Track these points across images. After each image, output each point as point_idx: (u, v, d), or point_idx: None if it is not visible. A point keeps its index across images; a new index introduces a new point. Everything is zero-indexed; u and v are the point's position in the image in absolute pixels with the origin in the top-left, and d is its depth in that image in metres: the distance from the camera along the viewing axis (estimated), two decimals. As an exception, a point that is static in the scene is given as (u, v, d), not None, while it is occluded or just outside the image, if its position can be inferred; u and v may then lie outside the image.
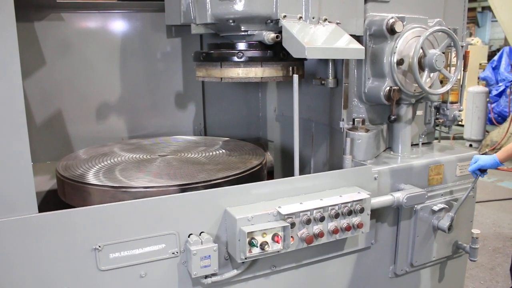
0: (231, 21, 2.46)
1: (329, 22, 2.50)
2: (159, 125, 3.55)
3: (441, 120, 2.98)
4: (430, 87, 2.70)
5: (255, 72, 2.60)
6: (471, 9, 19.15)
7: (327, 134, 3.09)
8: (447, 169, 2.83)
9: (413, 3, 2.78)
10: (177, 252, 2.10)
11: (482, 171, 2.61)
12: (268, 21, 2.46)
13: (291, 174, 2.43)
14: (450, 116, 2.93)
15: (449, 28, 2.65)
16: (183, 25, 2.78)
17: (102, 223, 1.95)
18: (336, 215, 2.27)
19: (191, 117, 3.68)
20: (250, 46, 2.62)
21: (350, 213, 2.30)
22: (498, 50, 13.94)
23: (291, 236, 2.15)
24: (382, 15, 2.66)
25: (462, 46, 2.83)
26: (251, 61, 2.58)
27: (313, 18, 2.44)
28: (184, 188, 2.27)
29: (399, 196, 2.53)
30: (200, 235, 2.12)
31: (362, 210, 2.33)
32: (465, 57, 2.94)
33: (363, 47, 2.42)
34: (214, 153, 2.97)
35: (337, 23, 2.53)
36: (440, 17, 2.85)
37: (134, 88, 3.43)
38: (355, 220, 2.33)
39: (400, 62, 2.62)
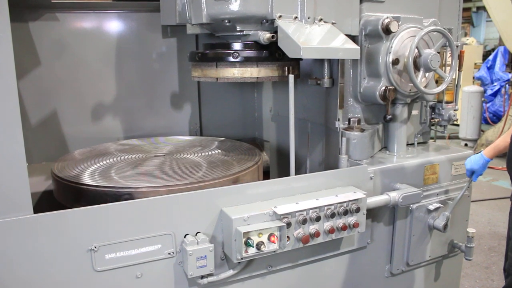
0: (226, 21, 2.46)
1: (324, 22, 2.50)
2: (154, 125, 3.54)
3: (436, 120, 2.99)
4: (425, 86, 2.71)
5: (251, 72, 2.60)
6: (466, 9, 19.21)
7: (323, 134, 3.09)
8: (442, 169, 2.84)
9: (408, 3, 2.79)
10: (173, 253, 2.10)
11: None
12: (264, 21, 2.46)
13: (287, 174, 2.43)
14: (445, 116, 2.94)
15: (444, 28, 2.66)
16: (179, 25, 2.77)
17: (97, 224, 1.94)
18: (332, 215, 2.27)
19: (187, 117, 3.67)
20: (246, 46, 2.62)
21: (346, 212, 2.30)
22: (493, 50, 13.98)
23: (287, 236, 2.16)
24: (377, 15, 2.67)
25: (457, 46, 2.84)
26: (246, 61, 2.58)
27: (308, 18, 2.44)
28: (180, 188, 2.27)
29: (395, 195, 2.54)
30: (196, 235, 2.11)
31: (358, 210, 2.34)
32: (460, 57, 2.95)
33: (359, 47, 2.42)
34: (210, 153, 2.96)
35: (333, 23, 2.53)
36: (435, 17, 2.86)
37: (129, 88, 3.42)
38: (351, 219, 2.34)
39: (395, 62, 2.63)
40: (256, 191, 2.25)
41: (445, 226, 2.71)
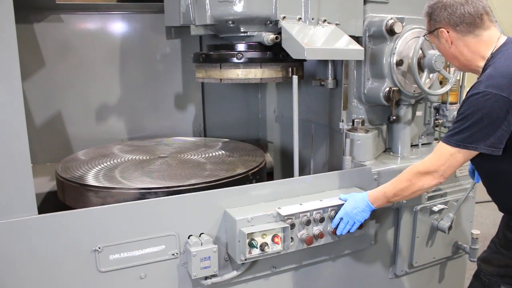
0: (230, 22, 2.46)
1: (328, 23, 2.50)
2: (158, 126, 3.55)
3: (440, 121, 2.98)
4: (429, 87, 2.70)
5: (255, 73, 2.60)
6: (470, 10, 19.06)
7: (327, 135, 3.09)
8: (446, 170, 2.82)
9: (412, 4, 2.78)
10: (177, 253, 2.10)
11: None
12: (268, 22, 2.46)
13: (291, 175, 2.42)
14: (449, 117, 2.92)
15: (448, 29, 2.65)
16: (183, 27, 2.78)
17: (102, 225, 1.95)
18: (336, 216, 2.27)
19: (191, 118, 3.68)
20: (250, 47, 2.62)
21: (350, 214, 2.29)
22: (497, 50, 13.91)
23: (291, 237, 2.15)
24: (381, 16, 2.66)
25: (461, 47, 2.83)
26: (250, 62, 2.58)
27: (312, 19, 2.44)
28: (184, 189, 2.27)
29: (399, 196, 2.52)
30: (200, 236, 2.12)
31: (362, 211, 2.33)
32: (465, 58, 2.93)
33: (363, 48, 2.42)
34: (214, 154, 2.96)
35: (337, 24, 2.53)
36: (439, 18, 2.85)
37: (133, 89, 3.42)
38: (355, 221, 2.33)
39: (399, 63, 2.62)
40: (260, 192, 2.25)
41: (450, 227, 2.70)
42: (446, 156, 1.93)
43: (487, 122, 1.79)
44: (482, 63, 1.97)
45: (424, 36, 2.41)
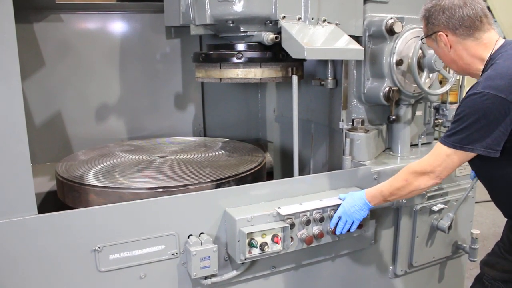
0: (230, 22, 2.46)
1: (328, 22, 2.50)
2: (158, 126, 3.55)
3: (440, 121, 2.98)
4: (429, 87, 2.70)
5: (255, 73, 2.60)
6: (470, 10, 19.01)
7: (327, 135, 3.09)
8: (446, 170, 2.82)
9: (412, 4, 2.78)
10: (176, 253, 2.10)
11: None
12: (267, 22, 2.46)
13: (291, 174, 2.43)
14: (449, 117, 2.93)
15: (448, 29, 2.65)
16: (183, 26, 2.78)
17: (101, 224, 1.95)
18: (336, 216, 2.27)
19: (191, 118, 3.68)
20: (249, 47, 2.62)
21: (349, 213, 2.29)
22: (497, 50, 13.88)
23: (291, 237, 2.15)
24: (381, 15, 2.66)
25: (461, 47, 2.83)
26: (250, 62, 2.58)
27: (312, 19, 2.44)
28: (183, 189, 2.27)
29: (399, 196, 2.52)
30: (199, 236, 2.12)
31: (361, 211, 2.33)
32: (464, 58, 2.93)
33: (362, 48, 2.42)
34: (214, 154, 2.97)
35: (336, 24, 2.53)
36: (439, 18, 2.85)
37: (133, 89, 3.42)
38: (354, 220, 2.33)
39: (399, 62, 2.63)
40: (260, 192, 2.25)
41: (449, 227, 2.70)
42: (442, 157, 1.91)
43: (484, 123, 1.77)
44: (481, 66, 1.95)
45: (421, 39, 2.38)
